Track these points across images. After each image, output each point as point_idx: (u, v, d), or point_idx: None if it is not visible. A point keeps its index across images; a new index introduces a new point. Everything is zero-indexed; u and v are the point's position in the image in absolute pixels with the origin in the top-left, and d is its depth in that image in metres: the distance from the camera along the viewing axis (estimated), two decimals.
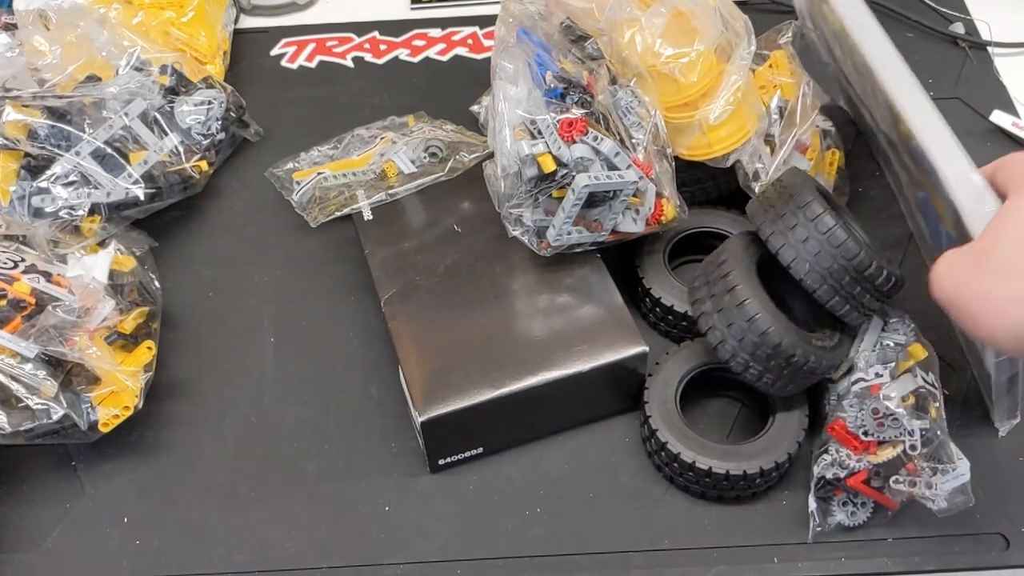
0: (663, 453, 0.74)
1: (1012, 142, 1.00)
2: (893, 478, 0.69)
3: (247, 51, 1.16)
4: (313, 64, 1.14)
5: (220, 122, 0.97)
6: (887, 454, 0.70)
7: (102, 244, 0.86)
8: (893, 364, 0.74)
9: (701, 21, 0.79)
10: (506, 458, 0.78)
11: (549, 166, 0.75)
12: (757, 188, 0.83)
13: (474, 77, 1.09)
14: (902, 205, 0.92)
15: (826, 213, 0.70)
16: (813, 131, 0.88)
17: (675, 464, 0.73)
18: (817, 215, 0.70)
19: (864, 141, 1.01)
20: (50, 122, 0.87)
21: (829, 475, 0.71)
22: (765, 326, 0.70)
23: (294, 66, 1.14)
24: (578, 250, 0.80)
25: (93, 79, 0.92)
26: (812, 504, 0.72)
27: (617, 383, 0.77)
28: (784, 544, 0.72)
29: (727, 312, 0.71)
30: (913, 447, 0.69)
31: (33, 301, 0.75)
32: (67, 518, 0.76)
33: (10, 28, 0.96)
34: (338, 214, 0.91)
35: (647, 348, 0.75)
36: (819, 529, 0.72)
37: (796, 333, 0.71)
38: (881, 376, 0.73)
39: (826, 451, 0.72)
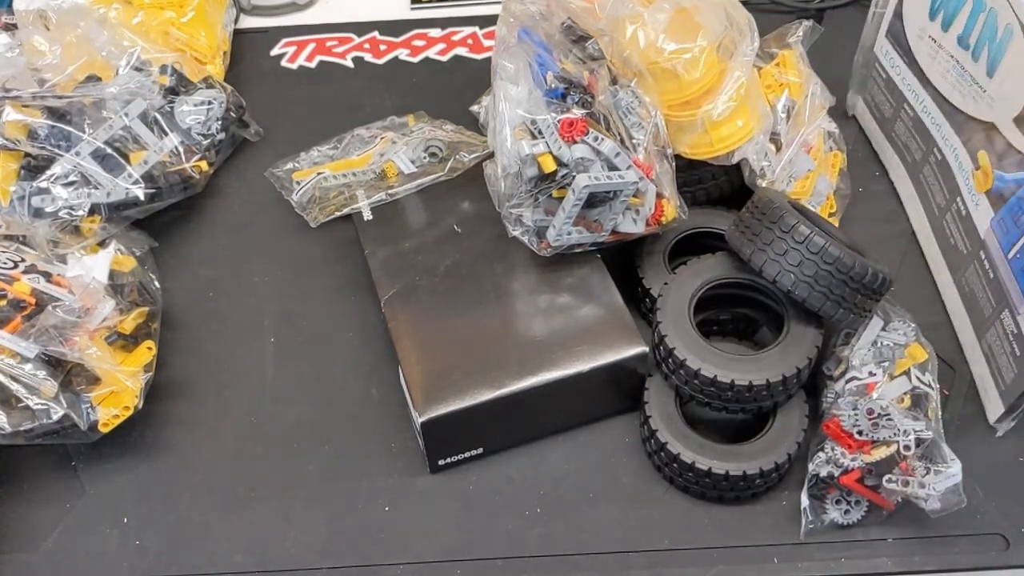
0: (663, 453, 0.74)
1: None
2: (886, 477, 0.69)
3: (247, 51, 1.16)
4: (313, 64, 1.14)
5: (220, 122, 0.97)
6: (881, 453, 0.70)
7: (102, 244, 0.86)
8: (888, 363, 0.74)
9: (705, 16, 0.79)
10: (506, 458, 0.78)
11: (549, 166, 0.75)
12: (763, 184, 0.83)
13: (474, 77, 1.09)
14: (930, 203, 0.90)
15: (800, 223, 0.71)
16: (818, 132, 0.88)
17: (675, 464, 0.73)
18: (792, 226, 0.71)
19: (866, 141, 1.01)
20: (50, 122, 0.87)
21: (823, 473, 0.71)
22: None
23: (294, 66, 1.14)
24: (578, 250, 0.79)
25: (93, 79, 0.92)
26: (805, 501, 0.72)
27: (617, 383, 0.77)
28: (784, 544, 0.72)
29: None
30: (907, 447, 0.69)
31: (33, 301, 0.75)
32: (67, 518, 0.75)
33: (10, 28, 0.96)
34: (338, 214, 0.91)
35: (647, 348, 0.75)
36: (812, 526, 0.72)
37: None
38: (875, 375, 0.73)
39: (821, 449, 0.72)
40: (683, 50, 0.78)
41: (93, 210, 0.87)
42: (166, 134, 0.93)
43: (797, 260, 0.71)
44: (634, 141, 0.78)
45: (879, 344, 0.75)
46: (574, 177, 0.74)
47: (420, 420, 0.72)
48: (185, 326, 0.88)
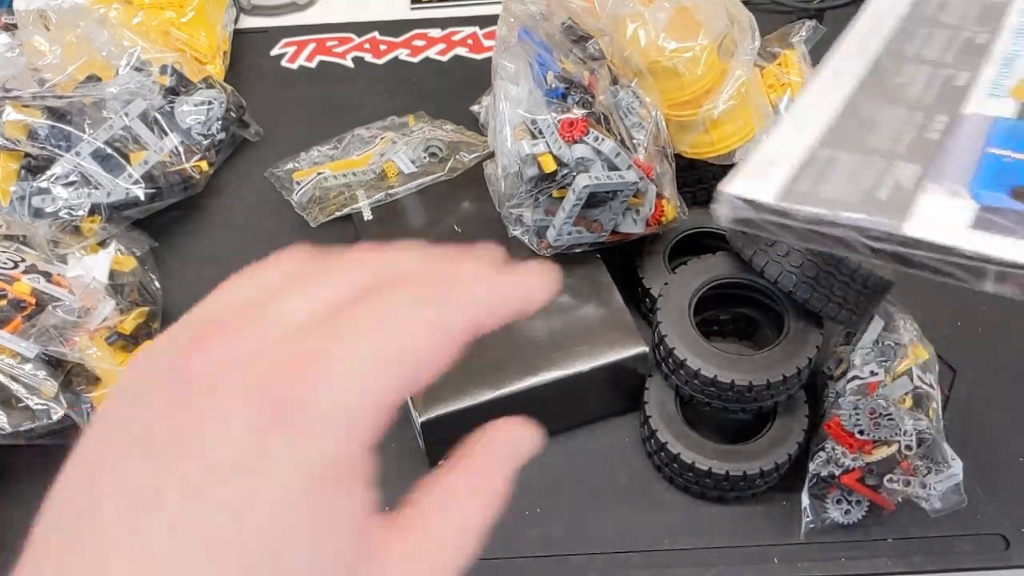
0: (663, 453, 0.74)
1: None
2: (887, 477, 0.69)
3: (247, 51, 1.16)
4: (313, 64, 1.14)
5: (220, 122, 0.97)
6: (882, 453, 0.70)
7: (102, 244, 0.85)
8: (890, 363, 0.74)
9: (706, 15, 0.79)
10: None
11: (550, 166, 0.75)
12: None
13: (474, 77, 1.09)
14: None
15: None
16: None
17: (675, 464, 0.73)
18: None
19: None
20: (50, 122, 0.87)
21: (824, 472, 0.71)
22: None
23: (294, 66, 1.14)
24: (578, 250, 0.79)
25: (93, 79, 0.92)
26: (805, 500, 0.71)
27: (617, 383, 0.77)
28: (784, 544, 0.72)
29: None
30: (908, 447, 0.69)
31: (33, 301, 0.75)
32: None
33: (10, 28, 0.96)
34: (338, 214, 0.91)
35: (647, 348, 0.75)
36: (812, 526, 0.72)
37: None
38: (877, 375, 0.73)
39: (822, 448, 0.72)
40: (684, 48, 0.78)
41: (93, 210, 0.87)
42: (166, 134, 0.93)
43: (799, 261, 0.71)
44: (634, 141, 0.78)
45: (881, 343, 0.75)
46: (574, 177, 0.74)
47: (420, 420, 0.72)
48: None
